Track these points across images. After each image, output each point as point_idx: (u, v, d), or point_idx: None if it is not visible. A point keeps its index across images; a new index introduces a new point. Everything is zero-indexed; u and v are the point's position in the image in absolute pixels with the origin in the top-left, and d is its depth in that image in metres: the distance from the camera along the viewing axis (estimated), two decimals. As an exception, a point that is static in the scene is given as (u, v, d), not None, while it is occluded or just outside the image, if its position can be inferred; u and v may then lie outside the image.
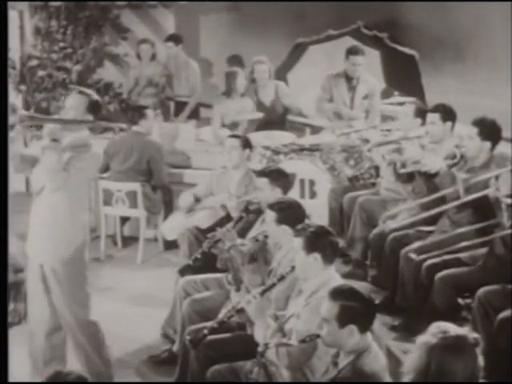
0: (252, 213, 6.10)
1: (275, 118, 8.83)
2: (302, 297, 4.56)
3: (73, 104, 5.33)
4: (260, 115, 8.70)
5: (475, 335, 3.29)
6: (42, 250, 5.30)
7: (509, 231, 5.22)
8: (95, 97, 5.40)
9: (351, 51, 8.21)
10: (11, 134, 4.96)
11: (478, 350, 3.28)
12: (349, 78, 8.27)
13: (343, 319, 3.81)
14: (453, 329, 3.30)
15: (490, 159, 5.77)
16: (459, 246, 5.53)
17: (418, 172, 6.01)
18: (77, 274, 5.34)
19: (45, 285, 5.33)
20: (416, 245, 5.73)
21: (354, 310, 3.82)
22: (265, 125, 8.64)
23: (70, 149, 5.20)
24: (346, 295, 3.87)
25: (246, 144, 6.95)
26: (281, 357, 4.35)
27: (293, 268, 4.68)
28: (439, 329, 3.30)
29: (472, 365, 3.25)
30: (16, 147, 5.21)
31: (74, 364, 5.37)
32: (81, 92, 5.41)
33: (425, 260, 5.55)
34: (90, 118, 5.31)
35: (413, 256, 5.55)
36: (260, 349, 4.31)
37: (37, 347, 5.45)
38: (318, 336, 3.97)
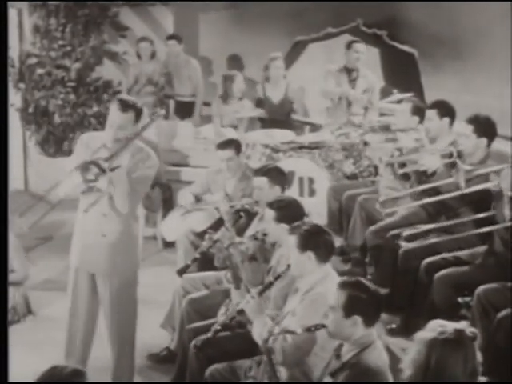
0: (250, 215, 6.10)
1: (281, 117, 8.80)
2: (298, 294, 4.56)
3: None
4: (259, 112, 8.69)
5: (473, 329, 3.33)
6: (94, 260, 5.23)
7: (508, 224, 5.20)
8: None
9: (353, 41, 8.37)
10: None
11: (476, 344, 3.29)
12: (349, 72, 8.29)
13: (349, 309, 3.85)
14: (450, 324, 3.32)
15: (487, 156, 5.79)
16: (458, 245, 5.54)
17: (416, 172, 6.02)
18: (129, 287, 5.34)
19: (92, 291, 5.30)
20: (406, 233, 5.70)
21: (360, 301, 3.86)
22: (270, 123, 8.62)
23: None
24: (354, 286, 3.91)
25: (239, 148, 6.88)
26: (276, 353, 4.33)
27: (288, 266, 4.68)
28: (437, 324, 3.32)
29: (472, 359, 3.27)
30: None
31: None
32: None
33: (420, 253, 5.55)
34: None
35: (402, 244, 5.53)
36: (265, 335, 4.30)
37: (74, 347, 5.41)
38: (323, 326, 3.97)
